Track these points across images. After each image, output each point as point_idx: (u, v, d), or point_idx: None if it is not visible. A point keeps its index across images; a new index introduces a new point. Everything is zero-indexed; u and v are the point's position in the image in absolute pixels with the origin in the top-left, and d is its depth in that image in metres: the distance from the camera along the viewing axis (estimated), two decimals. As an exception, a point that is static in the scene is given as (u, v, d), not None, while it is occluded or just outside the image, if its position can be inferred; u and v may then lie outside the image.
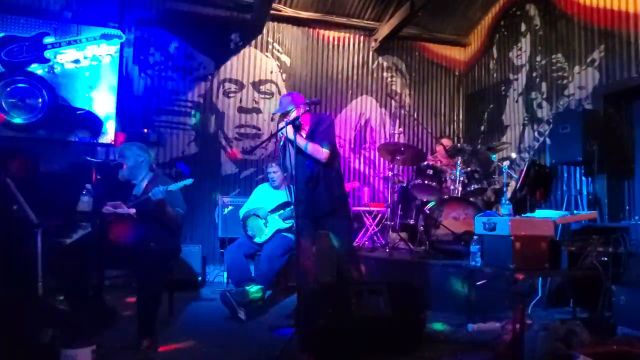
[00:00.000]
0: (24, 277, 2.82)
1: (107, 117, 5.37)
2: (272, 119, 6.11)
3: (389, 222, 5.11)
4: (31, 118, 4.99)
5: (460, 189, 4.65)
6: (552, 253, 3.00)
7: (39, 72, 5.12)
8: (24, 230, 2.84)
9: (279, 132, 3.32)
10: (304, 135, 3.42)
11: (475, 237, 3.36)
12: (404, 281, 3.93)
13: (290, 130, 3.25)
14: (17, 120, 4.96)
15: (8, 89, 4.92)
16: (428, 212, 4.45)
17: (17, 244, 2.95)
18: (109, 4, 5.54)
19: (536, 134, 5.67)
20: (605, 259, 3.16)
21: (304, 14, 6.22)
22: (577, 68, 5.15)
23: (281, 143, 3.45)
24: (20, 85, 4.97)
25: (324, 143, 3.35)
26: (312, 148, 3.32)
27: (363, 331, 2.62)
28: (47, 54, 5.16)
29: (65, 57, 5.25)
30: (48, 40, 5.16)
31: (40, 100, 5.01)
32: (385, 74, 6.71)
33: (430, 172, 4.80)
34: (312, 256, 3.55)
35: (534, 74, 5.75)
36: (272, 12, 5.83)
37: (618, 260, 3.24)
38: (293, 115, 3.38)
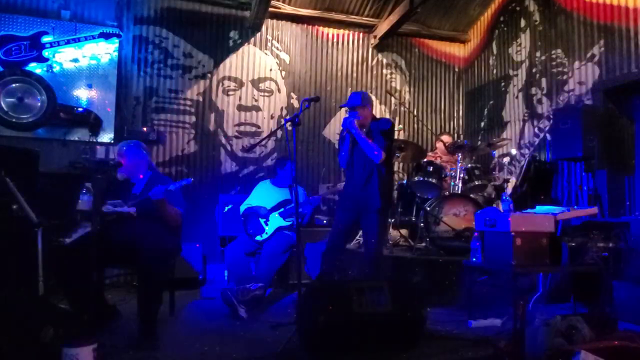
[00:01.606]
0: (24, 276, 2.82)
1: (107, 116, 5.37)
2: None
3: (389, 219, 5.10)
4: (30, 117, 4.98)
5: (460, 185, 4.65)
6: (552, 249, 3.00)
7: (38, 71, 5.11)
8: (24, 230, 2.84)
9: (344, 125, 3.52)
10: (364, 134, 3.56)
11: (475, 233, 3.36)
12: (404, 278, 3.95)
13: (353, 124, 3.46)
14: (17, 119, 4.95)
15: (7, 88, 4.91)
16: (428, 208, 4.45)
17: (18, 243, 2.95)
18: (107, 3, 5.53)
19: (536, 129, 5.66)
20: (606, 254, 3.16)
21: (303, 11, 6.21)
22: (577, 63, 5.14)
23: (343, 134, 3.64)
24: (19, 84, 4.96)
25: (382, 144, 3.50)
26: (370, 146, 3.47)
27: (363, 328, 2.62)
28: (46, 53, 5.14)
29: (63, 56, 5.24)
30: (46, 39, 5.15)
31: (39, 99, 5.00)
32: (384, 70, 6.69)
33: (430, 168, 4.79)
34: (337, 248, 3.63)
35: (534, 70, 5.73)
36: (270, 9, 5.82)
37: (618, 256, 3.24)
38: (359, 111, 3.53)
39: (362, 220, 3.60)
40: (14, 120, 4.94)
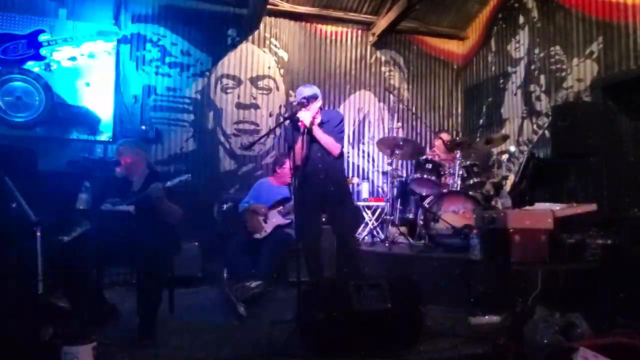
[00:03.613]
0: (23, 275, 2.82)
1: (105, 114, 5.35)
2: (268, 112, 6.09)
3: (388, 217, 5.11)
4: (28, 116, 4.97)
5: (459, 182, 4.65)
6: (551, 245, 3.01)
7: (36, 69, 5.10)
8: (23, 229, 2.83)
9: (298, 121, 3.39)
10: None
11: (474, 230, 3.36)
12: (403, 275, 3.95)
13: (308, 119, 3.37)
14: (15, 118, 4.94)
15: (4, 87, 4.89)
16: (427, 206, 4.45)
17: (17, 242, 2.95)
18: (104, 1, 5.52)
19: (535, 126, 5.66)
20: (605, 250, 3.16)
21: (301, 9, 6.20)
22: (575, 60, 5.14)
23: (301, 130, 3.45)
24: (17, 83, 4.95)
25: (337, 137, 3.50)
26: (328, 140, 3.46)
27: (363, 325, 2.63)
28: (43, 51, 5.13)
29: (61, 55, 5.22)
30: (44, 37, 5.13)
31: (37, 98, 4.98)
32: (383, 68, 6.69)
33: (429, 166, 4.80)
34: (317, 247, 3.61)
35: (533, 67, 5.73)
36: (269, 6, 5.81)
37: (617, 252, 3.24)
38: (314, 105, 3.45)
39: (331, 214, 3.60)
40: (12, 119, 4.92)
